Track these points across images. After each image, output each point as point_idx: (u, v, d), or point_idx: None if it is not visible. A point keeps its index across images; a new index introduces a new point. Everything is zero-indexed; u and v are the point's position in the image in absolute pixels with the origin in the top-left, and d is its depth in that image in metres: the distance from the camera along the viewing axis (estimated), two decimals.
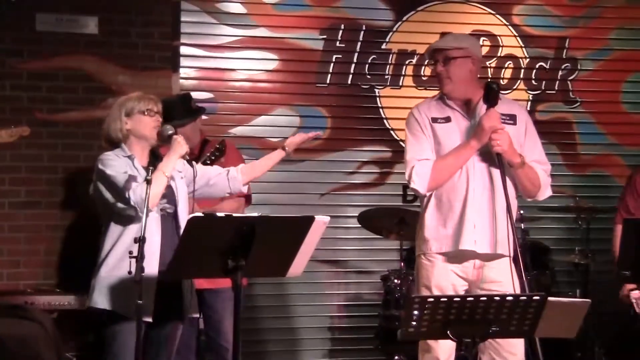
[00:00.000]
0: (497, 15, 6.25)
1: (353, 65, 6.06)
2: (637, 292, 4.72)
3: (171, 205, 3.77)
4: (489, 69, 6.15)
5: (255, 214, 3.34)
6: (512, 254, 3.79)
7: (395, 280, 5.37)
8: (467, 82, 3.91)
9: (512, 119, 3.90)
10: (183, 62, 5.85)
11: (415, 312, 2.88)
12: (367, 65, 6.08)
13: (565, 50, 6.33)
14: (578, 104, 6.35)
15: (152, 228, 3.61)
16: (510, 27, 6.27)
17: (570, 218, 5.95)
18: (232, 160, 4.54)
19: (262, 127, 5.94)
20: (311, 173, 6.00)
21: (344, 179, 6.06)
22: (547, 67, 6.31)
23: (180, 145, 3.70)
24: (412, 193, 4.70)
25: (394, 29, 6.13)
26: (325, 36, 6.04)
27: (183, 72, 5.85)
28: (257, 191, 5.35)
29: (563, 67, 6.33)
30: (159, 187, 3.60)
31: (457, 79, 3.88)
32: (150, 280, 3.52)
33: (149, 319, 3.56)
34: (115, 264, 3.64)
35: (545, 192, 3.96)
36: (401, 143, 5.85)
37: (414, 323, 2.91)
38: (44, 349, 4.30)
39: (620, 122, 6.39)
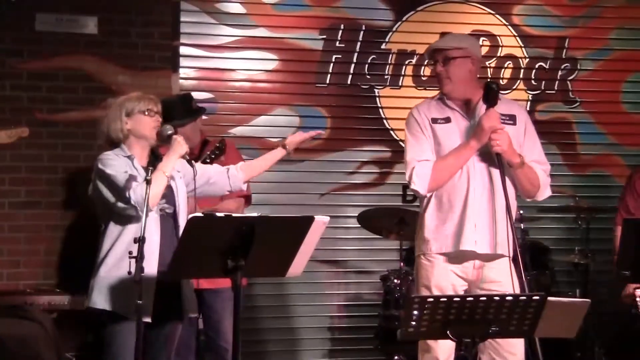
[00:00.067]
0: (497, 15, 6.25)
1: (353, 66, 6.06)
2: None
3: (170, 206, 3.77)
4: (488, 69, 6.15)
5: (255, 214, 3.34)
6: (511, 254, 3.79)
7: (395, 280, 5.37)
8: (467, 82, 3.91)
9: (511, 119, 3.90)
10: (183, 62, 5.86)
11: (415, 312, 2.88)
12: (366, 66, 6.08)
13: (565, 50, 6.33)
14: (578, 104, 6.35)
15: (152, 228, 3.61)
16: (509, 27, 6.27)
17: (570, 218, 5.96)
18: (232, 159, 4.54)
19: (261, 127, 5.94)
20: (311, 173, 6.00)
21: (343, 179, 6.06)
22: (547, 67, 6.31)
23: (180, 145, 3.69)
24: (412, 193, 4.69)
25: (394, 29, 6.14)
26: (324, 36, 6.04)
27: (183, 72, 5.86)
28: (257, 191, 5.35)
29: (563, 67, 6.33)
30: (159, 187, 3.60)
31: (457, 79, 3.88)
32: (149, 281, 3.52)
33: (148, 319, 3.56)
34: (114, 264, 3.63)
35: (544, 192, 3.95)
36: (401, 143, 5.85)
37: (414, 323, 2.91)
38: (44, 349, 4.30)
39: (620, 122, 6.39)
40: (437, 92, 4.04)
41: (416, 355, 3.94)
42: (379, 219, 5.56)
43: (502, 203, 3.68)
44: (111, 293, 3.63)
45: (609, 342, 5.48)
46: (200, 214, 3.19)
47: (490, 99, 3.74)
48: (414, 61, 6.13)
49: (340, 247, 6.00)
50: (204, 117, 5.10)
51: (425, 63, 5.98)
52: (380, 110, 6.11)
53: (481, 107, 3.82)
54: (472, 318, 2.92)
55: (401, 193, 5.96)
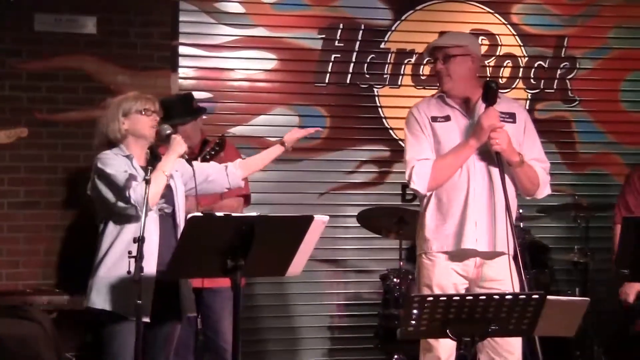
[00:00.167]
0: (496, 14, 6.25)
1: (352, 65, 6.06)
2: None
3: (169, 205, 3.76)
4: (487, 68, 6.15)
5: (254, 214, 3.34)
6: (512, 252, 3.79)
7: (395, 280, 5.38)
8: (467, 80, 3.91)
9: (511, 117, 3.90)
10: (182, 62, 5.85)
11: (415, 311, 2.88)
12: (365, 65, 6.08)
13: (564, 49, 6.33)
14: (577, 102, 6.35)
15: (151, 228, 3.61)
16: (508, 26, 6.27)
17: (569, 217, 5.96)
18: (231, 156, 4.54)
19: (261, 127, 5.93)
20: (310, 172, 6.00)
21: (343, 178, 6.06)
22: (546, 66, 6.31)
23: (179, 145, 3.69)
24: (411, 192, 4.70)
25: (393, 28, 6.14)
26: (324, 35, 6.04)
27: (182, 71, 5.86)
28: (256, 191, 5.35)
29: (562, 66, 6.33)
30: (159, 186, 3.60)
31: (457, 76, 3.89)
32: (148, 280, 3.52)
33: (147, 319, 3.56)
34: (113, 264, 3.63)
35: (544, 191, 3.96)
36: (400, 142, 5.86)
37: (413, 322, 2.91)
38: (43, 348, 4.31)
39: (619, 120, 6.39)
40: (437, 90, 4.04)
41: (415, 354, 3.95)
42: (379, 218, 5.56)
43: (502, 201, 3.68)
44: (110, 293, 3.62)
45: (608, 340, 5.49)
46: (199, 214, 3.19)
47: (490, 97, 3.74)
48: (413, 60, 6.12)
49: (339, 246, 6.00)
50: (203, 116, 5.10)
51: (425, 62, 5.99)
52: (380, 109, 6.11)
53: (481, 106, 3.82)
54: (472, 317, 2.92)
55: (400, 192, 5.95)
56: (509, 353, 3.77)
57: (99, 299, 3.64)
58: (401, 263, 5.50)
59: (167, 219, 3.75)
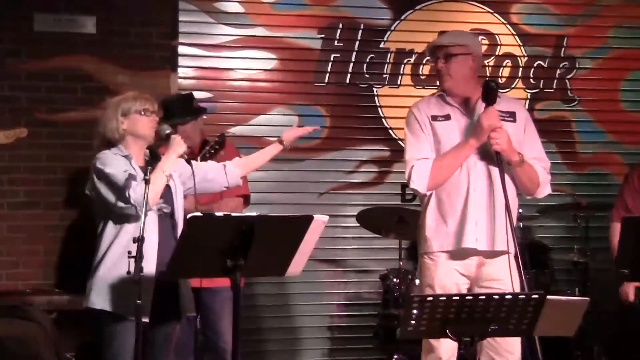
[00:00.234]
0: (496, 14, 6.25)
1: (351, 64, 6.06)
2: None
3: (168, 205, 3.76)
4: (487, 68, 6.15)
5: (254, 214, 3.34)
6: (512, 252, 3.79)
7: (395, 280, 5.37)
8: (467, 79, 3.91)
9: (511, 116, 3.90)
10: (181, 61, 5.85)
11: (415, 311, 2.88)
12: (365, 64, 6.08)
13: (563, 49, 6.33)
14: (576, 102, 6.35)
15: (150, 227, 3.60)
16: (508, 25, 6.27)
17: (569, 216, 5.95)
18: (230, 155, 4.54)
19: (260, 127, 5.93)
20: (310, 172, 6.00)
21: (342, 178, 6.06)
22: (546, 65, 6.31)
23: (179, 144, 3.69)
24: (411, 192, 4.70)
25: (392, 27, 6.13)
26: (323, 35, 6.04)
27: (182, 71, 5.86)
28: (256, 190, 5.35)
29: (561, 65, 6.33)
30: (158, 186, 3.59)
31: (458, 75, 3.88)
32: (148, 280, 3.51)
33: (146, 319, 3.56)
34: (113, 264, 3.62)
35: (544, 190, 3.96)
36: (400, 142, 5.86)
37: (413, 322, 2.91)
38: (43, 349, 4.31)
39: (619, 120, 6.39)
40: (437, 89, 4.04)
41: (415, 354, 3.95)
42: (378, 218, 5.56)
43: (502, 201, 3.68)
44: (110, 293, 3.62)
45: (608, 340, 5.49)
46: (199, 214, 3.19)
47: (490, 97, 3.74)
48: (412, 60, 6.12)
49: (339, 246, 6.00)
50: (203, 116, 5.10)
51: (425, 61, 5.99)
52: (379, 109, 6.11)
53: (480, 105, 3.82)
54: (472, 317, 2.91)
55: (400, 192, 5.95)
56: (509, 353, 3.77)
57: (99, 299, 3.64)
58: (401, 263, 5.50)
59: (166, 218, 3.75)
